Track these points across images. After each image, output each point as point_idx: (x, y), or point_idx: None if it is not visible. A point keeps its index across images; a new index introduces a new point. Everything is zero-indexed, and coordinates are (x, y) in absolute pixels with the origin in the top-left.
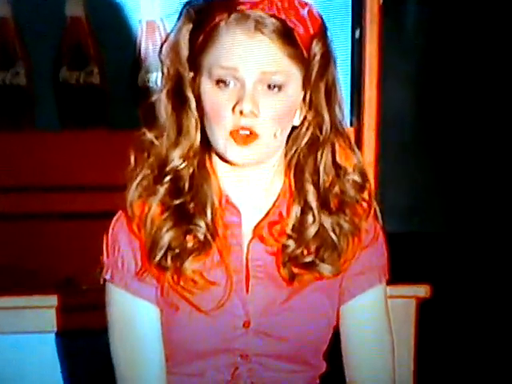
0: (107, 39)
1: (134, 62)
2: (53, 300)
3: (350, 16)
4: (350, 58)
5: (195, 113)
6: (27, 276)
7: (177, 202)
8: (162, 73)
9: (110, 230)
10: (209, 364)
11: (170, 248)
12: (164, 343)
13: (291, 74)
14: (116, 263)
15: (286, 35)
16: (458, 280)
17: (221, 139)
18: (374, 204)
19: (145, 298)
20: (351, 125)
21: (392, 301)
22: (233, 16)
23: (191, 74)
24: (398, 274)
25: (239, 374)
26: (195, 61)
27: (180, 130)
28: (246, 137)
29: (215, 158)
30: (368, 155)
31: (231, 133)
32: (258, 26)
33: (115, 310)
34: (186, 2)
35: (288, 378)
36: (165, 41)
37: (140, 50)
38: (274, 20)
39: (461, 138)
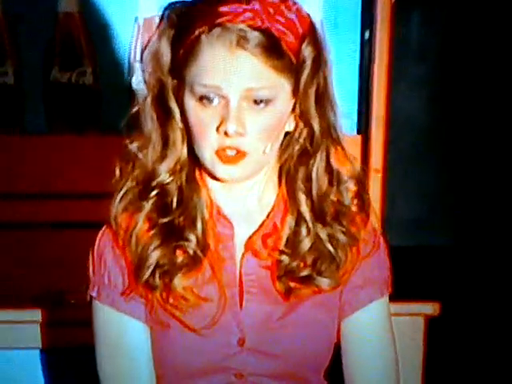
0: (101, 37)
1: (129, 61)
2: (37, 315)
3: (360, 16)
4: (358, 61)
5: (180, 124)
6: (12, 288)
7: (164, 219)
8: (144, 81)
9: (96, 245)
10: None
11: (158, 266)
12: (155, 363)
13: (279, 87)
14: (102, 280)
15: (270, 48)
16: (468, 296)
17: (207, 157)
18: (373, 213)
19: (133, 316)
20: (358, 132)
21: (400, 318)
22: (214, 30)
23: (175, 82)
24: (406, 291)
25: None
26: (178, 72)
27: (166, 143)
28: (232, 157)
29: (204, 171)
30: (376, 163)
31: (217, 152)
32: (241, 40)
33: (102, 328)
34: (167, 5)
35: None
36: (145, 47)
37: (136, 49)
38: (257, 33)
39: (472, 147)
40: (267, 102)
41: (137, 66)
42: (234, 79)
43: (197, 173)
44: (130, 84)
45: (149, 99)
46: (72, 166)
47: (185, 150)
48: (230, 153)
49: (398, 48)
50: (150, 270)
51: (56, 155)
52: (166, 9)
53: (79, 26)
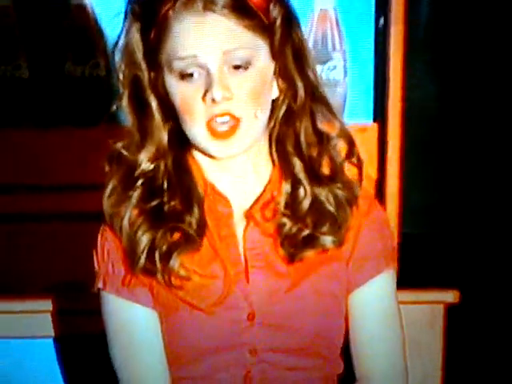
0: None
1: None
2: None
3: (374, 2)
4: (373, 48)
5: (156, 114)
6: (28, 278)
7: (151, 204)
8: (118, 79)
9: (99, 239)
10: (216, 364)
11: (151, 249)
12: (167, 346)
13: (256, 47)
14: (107, 271)
15: (239, 7)
16: (487, 284)
17: (199, 135)
18: (365, 171)
19: (140, 303)
20: (375, 120)
21: (419, 306)
22: (179, 2)
23: (152, 74)
24: (425, 278)
25: (251, 376)
26: (153, 59)
27: (144, 133)
28: (225, 131)
29: (195, 151)
30: (392, 151)
31: (208, 125)
32: (207, 4)
33: (111, 317)
34: (129, 2)
35: (304, 377)
36: (115, 45)
37: None
38: None
39: (489, 134)
40: (246, 64)
41: None
42: (209, 44)
43: (187, 156)
44: None
45: (125, 96)
46: (88, 157)
47: (164, 138)
48: (222, 125)
49: (412, 35)
50: (144, 255)
51: (72, 147)
52: (128, 3)
53: (91, 17)
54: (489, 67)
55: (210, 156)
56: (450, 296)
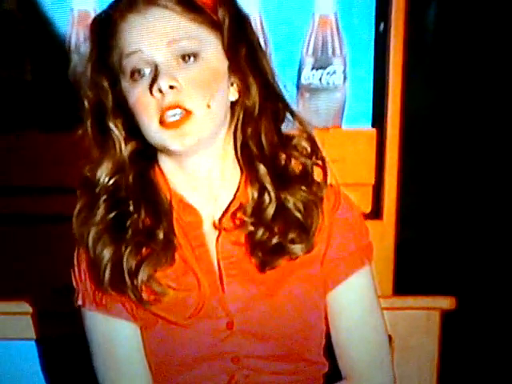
0: None
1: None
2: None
3: (374, 7)
4: (373, 54)
5: (115, 135)
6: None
7: (111, 215)
8: (81, 106)
9: (75, 259)
10: (200, 374)
11: (118, 265)
12: (149, 359)
13: (205, 40)
14: (85, 288)
15: (184, 2)
16: (484, 290)
17: (154, 131)
18: (329, 169)
19: (118, 317)
20: (373, 125)
21: (415, 312)
22: (122, 3)
23: (115, 91)
24: (421, 284)
25: (236, 382)
26: (110, 70)
27: (102, 151)
28: (177, 120)
29: (161, 161)
30: (391, 157)
31: (160, 120)
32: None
33: (92, 333)
34: (91, 22)
35: (288, 380)
36: (81, 73)
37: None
38: None
39: (489, 139)
40: (195, 55)
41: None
42: (153, 36)
43: (152, 170)
44: None
45: (89, 123)
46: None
47: (124, 153)
48: (172, 112)
49: (413, 40)
50: (108, 271)
51: (77, 151)
52: (90, 25)
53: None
54: (490, 73)
55: (171, 154)
56: (446, 302)
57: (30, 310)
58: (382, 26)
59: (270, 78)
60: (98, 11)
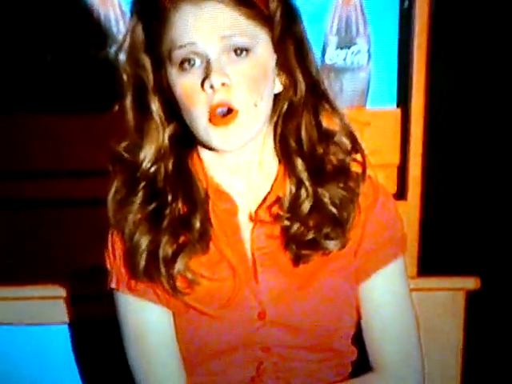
0: None
1: None
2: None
3: None
4: (397, 32)
5: (156, 116)
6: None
7: (152, 206)
8: (122, 80)
9: (108, 241)
10: (230, 361)
11: (154, 254)
12: (180, 345)
13: (256, 36)
14: (119, 270)
15: None
16: (509, 270)
17: (201, 125)
18: (369, 166)
19: (151, 301)
20: (398, 105)
21: (440, 293)
22: None
23: (156, 73)
24: (445, 265)
25: (264, 368)
26: (156, 55)
27: (143, 135)
28: (225, 117)
29: (201, 149)
30: (415, 137)
31: (209, 116)
32: None
33: (125, 316)
34: (133, 1)
35: (316, 368)
36: (120, 46)
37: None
38: None
39: None
40: (247, 50)
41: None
42: (207, 31)
43: (190, 157)
44: None
45: (128, 97)
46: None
47: (165, 139)
48: (221, 110)
49: (438, 17)
50: (143, 259)
51: (93, 134)
52: (132, 4)
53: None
54: None
55: (214, 150)
56: (471, 282)
57: (61, 293)
58: (406, 3)
59: (315, 73)
60: None
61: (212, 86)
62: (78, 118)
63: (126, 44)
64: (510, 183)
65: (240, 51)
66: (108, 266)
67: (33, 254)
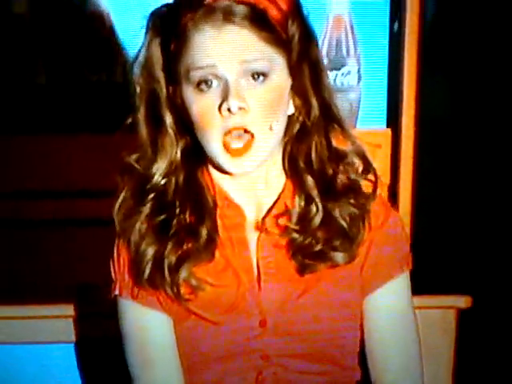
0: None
1: None
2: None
3: (388, 6)
4: (387, 54)
5: (170, 130)
6: (44, 284)
7: (161, 218)
8: (135, 92)
9: (115, 250)
10: (229, 369)
11: (159, 263)
12: (180, 352)
13: (274, 60)
14: (123, 278)
15: (258, 19)
16: (500, 289)
17: (215, 149)
18: (381, 186)
19: (153, 308)
20: (388, 125)
21: (431, 311)
22: (199, 12)
23: (170, 88)
24: (437, 284)
25: (263, 378)
26: (172, 72)
27: (157, 149)
28: (240, 148)
29: (210, 166)
30: (405, 158)
31: (224, 140)
32: (227, 15)
33: (127, 323)
34: (150, 14)
35: (316, 380)
36: (135, 59)
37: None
38: (242, 6)
39: (506, 137)
40: (265, 75)
41: None
42: (227, 55)
43: (199, 169)
44: None
45: (141, 110)
46: (100, 163)
47: (177, 154)
48: (237, 141)
49: (427, 39)
50: (148, 268)
51: (82, 154)
52: (149, 17)
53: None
54: (506, 73)
55: (225, 171)
56: (462, 301)
57: (61, 312)
58: (395, 25)
59: (329, 98)
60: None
61: (229, 110)
62: (73, 138)
63: (141, 58)
64: (501, 202)
65: (258, 75)
66: (112, 274)
67: (32, 273)
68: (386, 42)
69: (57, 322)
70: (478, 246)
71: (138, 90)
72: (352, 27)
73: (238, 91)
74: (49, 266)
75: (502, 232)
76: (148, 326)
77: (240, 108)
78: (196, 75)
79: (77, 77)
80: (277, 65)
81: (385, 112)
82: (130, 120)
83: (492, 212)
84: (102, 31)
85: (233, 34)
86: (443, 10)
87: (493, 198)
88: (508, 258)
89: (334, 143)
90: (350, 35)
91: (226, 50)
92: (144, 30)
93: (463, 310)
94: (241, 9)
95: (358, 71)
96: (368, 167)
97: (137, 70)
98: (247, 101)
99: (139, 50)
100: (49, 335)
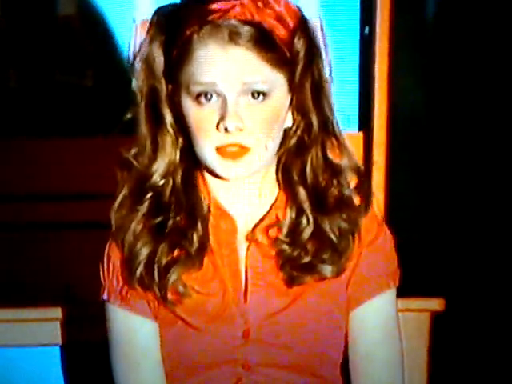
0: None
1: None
2: (56, 312)
3: (359, 10)
4: (358, 57)
5: (170, 129)
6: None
7: (157, 220)
8: (137, 88)
9: (105, 252)
10: (210, 377)
11: (151, 263)
12: (163, 358)
13: (275, 81)
14: (112, 283)
15: (263, 41)
16: (473, 291)
17: (208, 156)
18: (375, 203)
19: (141, 315)
20: (360, 129)
21: (404, 314)
22: (205, 28)
23: (170, 88)
24: (410, 287)
25: None
26: (172, 75)
27: (157, 147)
28: (234, 152)
29: (204, 170)
30: (378, 160)
31: (218, 149)
32: (232, 36)
33: (113, 327)
34: (155, 10)
35: None
36: (136, 54)
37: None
38: (248, 27)
39: (476, 141)
40: (265, 94)
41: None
42: (229, 75)
43: (195, 172)
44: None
45: (142, 106)
46: (88, 167)
47: (177, 154)
48: (232, 149)
49: (398, 42)
50: (141, 267)
51: (69, 158)
52: (154, 14)
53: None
54: (477, 75)
55: (218, 176)
56: (436, 304)
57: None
58: (366, 29)
59: (330, 114)
60: None
61: (226, 129)
62: (53, 141)
63: (143, 53)
64: (474, 205)
65: (258, 94)
66: (101, 277)
67: (26, 276)
68: (357, 45)
69: (43, 325)
70: (451, 249)
71: (139, 84)
72: (323, 31)
73: (236, 111)
74: (40, 268)
75: (474, 235)
76: (134, 331)
77: (237, 128)
78: (196, 89)
79: (48, 79)
80: (278, 85)
81: (357, 116)
82: (129, 115)
83: (464, 215)
84: (73, 34)
85: (236, 55)
86: (414, 14)
87: (465, 200)
88: (481, 259)
89: (330, 156)
90: (320, 39)
91: (228, 69)
92: (148, 25)
93: (437, 313)
94: (247, 30)
95: (330, 75)
96: (363, 184)
97: (138, 63)
98: (244, 120)
99: (140, 44)
100: (35, 338)
